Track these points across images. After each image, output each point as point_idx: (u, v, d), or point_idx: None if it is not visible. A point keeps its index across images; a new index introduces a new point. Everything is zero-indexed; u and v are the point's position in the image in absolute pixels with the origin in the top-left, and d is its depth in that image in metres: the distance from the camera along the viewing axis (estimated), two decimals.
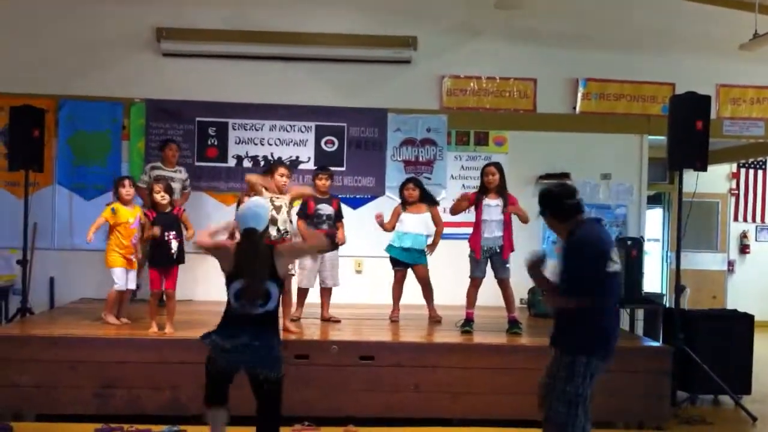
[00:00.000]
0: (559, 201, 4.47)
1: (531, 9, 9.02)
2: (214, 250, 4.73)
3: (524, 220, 6.93)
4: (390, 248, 7.60)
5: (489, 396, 6.16)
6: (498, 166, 7.16)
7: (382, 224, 7.59)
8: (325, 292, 7.54)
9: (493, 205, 6.94)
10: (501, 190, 7.00)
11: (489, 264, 6.96)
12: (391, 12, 9.26)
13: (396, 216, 7.60)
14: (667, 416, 6.43)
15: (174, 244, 6.50)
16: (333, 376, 6.16)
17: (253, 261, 4.50)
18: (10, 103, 8.25)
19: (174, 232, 6.55)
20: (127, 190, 6.94)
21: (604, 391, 6.15)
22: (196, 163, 9.09)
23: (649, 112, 9.51)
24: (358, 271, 9.17)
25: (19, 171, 8.06)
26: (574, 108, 9.52)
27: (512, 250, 6.91)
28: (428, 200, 7.69)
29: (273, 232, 6.55)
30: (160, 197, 6.61)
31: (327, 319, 7.44)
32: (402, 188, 7.68)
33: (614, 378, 6.20)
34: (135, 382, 6.00)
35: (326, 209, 7.38)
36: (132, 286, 7.03)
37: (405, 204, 7.61)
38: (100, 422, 5.92)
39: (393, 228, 7.60)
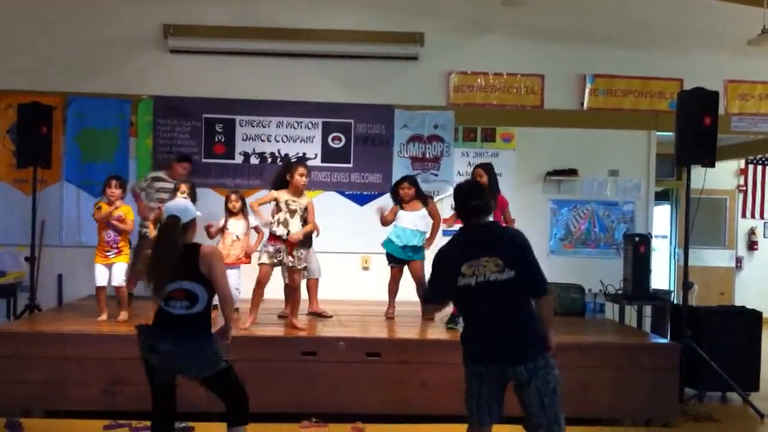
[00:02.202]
0: (460, 199, 4.44)
1: (538, 5, 8.99)
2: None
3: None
4: (387, 244, 7.54)
5: None
6: (487, 167, 7.18)
7: (382, 216, 7.55)
8: (311, 284, 7.54)
9: None
10: (490, 191, 6.99)
11: None
12: (397, 8, 9.25)
13: (394, 213, 7.55)
14: (675, 413, 6.42)
15: None
16: (340, 373, 6.17)
17: (165, 258, 4.29)
18: (19, 101, 8.31)
19: None
20: (111, 191, 6.89)
21: (611, 388, 6.22)
22: (203, 160, 9.10)
23: (657, 108, 9.48)
24: (365, 268, 9.18)
25: (28, 168, 8.10)
26: (582, 104, 9.49)
27: None
28: (422, 197, 7.65)
29: (282, 233, 6.61)
30: (183, 198, 6.67)
31: (318, 314, 7.44)
32: (397, 187, 7.64)
33: (622, 375, 6.25)
34: (143, 378, 5.93)
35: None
36: (114, 282, 6.87)
37: (401, 203, 7.59)
38: (108, 418, 5.96)
39: (392, 221, 7.56)
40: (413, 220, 7.47)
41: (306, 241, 7.10)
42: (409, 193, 7.50)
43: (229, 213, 7.28)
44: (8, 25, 9.03)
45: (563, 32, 9.39)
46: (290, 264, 6.64)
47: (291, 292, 6.78)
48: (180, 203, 4.70)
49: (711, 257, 12.34)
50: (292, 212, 6.65)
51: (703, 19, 9.44)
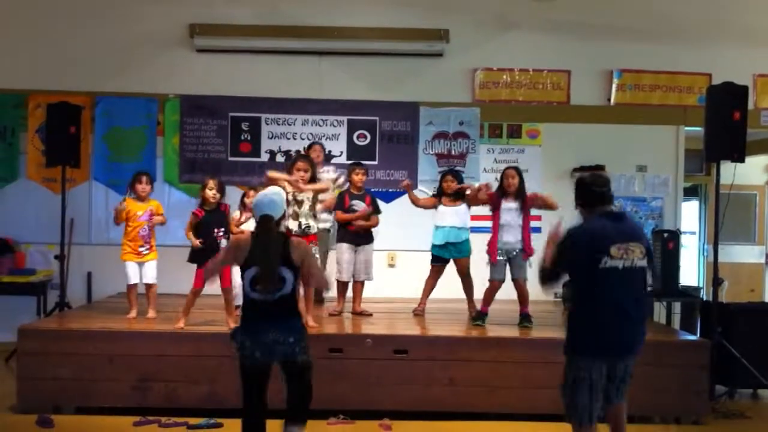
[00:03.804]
0: (584, 188, 4.56)
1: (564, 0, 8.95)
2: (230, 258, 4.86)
3: (552, 206, 6.89)
4: (433, 248, 7.53)
5: (525, 390, 6.13)
6: (518, 169, 7.15)
7: (407, 190, 7.63)
8: (357, 286, 7.56)
9: (513, 209, 6.94)
10: (520, 194, 6.98)
11: (507, 266, 6.94)
12: (422, 5, 9.23)
13: (431, 203, 7.59)
14: (705, 410, 6.37)
15: (223, 243, 6.43)
16: (367, 370, 6.18)
17: (267, 247, 4.50)
18: (48, 101, 8.38)
19: (222, 229, 6.55)
20: (143, 187, 6.96)
21: (641, 385, 6.11)
22: (230, 158, 9.17)
23: (686, 102, 9.38)
24: (391, 265, 9.17)
25: (57, 167, 8.17)
26: (609, 99, 9.42)
27: (531, 254, 6.83)
28: (462, 193, 7.64)
29: (294, 227, 6.56)
30: (212, 194, 6.63)
31: (359, 313, 7.46)
32: (441, 180, 7.65)
33: (651, 372, 6.18)
34: (172, 375, 6.05)
35: (359, 205, 7.41)
36: (148, 279, 6.97)
37: (443, 196, 7.58)
38: (138, 415, 6.01)
39: (421, 205, 7.61)
40: (453, 218, 7.45)
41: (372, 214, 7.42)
42: (452, 186, 7.49)
43: (245, 208, 7.28)
44: (36, 25, 9.12)
45: (589, 27, 9.32)
46: None
47: (306, 291, 6.75)
48: (269, 198, 4.69)
49: (741, 253, 12.19)
50: (299, 203, 6.63)
51: (732, 12, 9.34)
